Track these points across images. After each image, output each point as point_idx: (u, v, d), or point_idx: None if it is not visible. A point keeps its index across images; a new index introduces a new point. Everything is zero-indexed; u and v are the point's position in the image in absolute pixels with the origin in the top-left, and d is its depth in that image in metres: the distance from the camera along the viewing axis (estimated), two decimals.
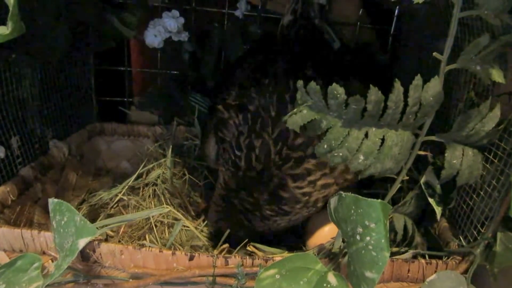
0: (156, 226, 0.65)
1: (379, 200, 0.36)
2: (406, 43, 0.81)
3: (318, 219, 0.62)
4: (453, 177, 0.48)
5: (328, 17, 0.85)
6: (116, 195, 0.71)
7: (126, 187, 0.71)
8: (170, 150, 0.74)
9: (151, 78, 0.92)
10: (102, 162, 0.87)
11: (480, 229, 0.50)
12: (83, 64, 0.84)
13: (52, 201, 0.40)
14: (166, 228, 0.65)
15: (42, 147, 0.72)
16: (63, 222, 0.39)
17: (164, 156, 0.78)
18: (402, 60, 0.81)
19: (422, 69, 0.68)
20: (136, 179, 0.73)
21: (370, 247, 0.37)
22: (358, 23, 0.86)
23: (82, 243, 0.37)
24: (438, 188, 0.51)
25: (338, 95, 0.35)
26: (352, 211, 0.38)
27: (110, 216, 0.68)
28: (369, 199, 0.37)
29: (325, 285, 0.40)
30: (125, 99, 0.94)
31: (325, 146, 0.38)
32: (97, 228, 0.41)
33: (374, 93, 0.35)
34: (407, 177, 0.46)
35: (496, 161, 0.48)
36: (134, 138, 0.90)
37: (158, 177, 0.73)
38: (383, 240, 0.36)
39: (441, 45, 0.41)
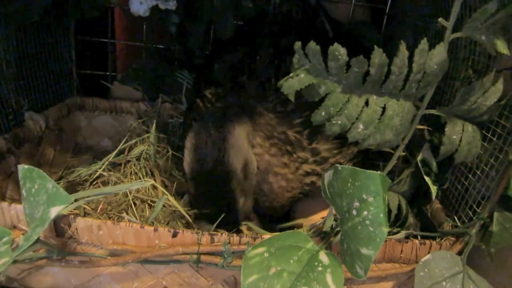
0: (135, 204, 0.61)
1: (379, 173, 0.34)
2: (401, 22, 0.79)
3: (309, 206, 0.60)
4: (450, 155, 0.47)
5: None
6: (96, 171, 0.67)
7: (107, 163, 0.67)
8: (154, 125, 0.71)
9: (135, 52, 0.88)
10: (82, 138, 0.83)
11: (476, 209, 0.48)
12: (63, 33, 0.80)
13: (22, 168, 0.37)
14: (146, 206, 0.61)
15: (17, 119, 0.68)
16: (33, 190, 0.35)
17: (148, 133, 0.75)
18: (397, 39, 0.79)
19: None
20: (118, 155, 0.69)
21: (367, 222, 0.35)
22: (353, 1, 0.84)
23: (54, 211, 0.34)
24: (434, 166, 0.49)
25: (340, 57, 0.32)
26: (349, 185, 0.36)
27: None
28: (368, 171, 0.34)
29: (316, 263, 0.39)
30: (108, 73, 0.89)
31: (323, 113, 0.35)
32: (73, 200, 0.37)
33: (378, 56, 0.33)
34: (404, 153, 0.44)
35: (495, 139, 0.46)
36: (116, 114, 0.86)
37: (141, 153, 0.70)
38: (381, 215, 0.34)
39: (438, 24, 0.39)
